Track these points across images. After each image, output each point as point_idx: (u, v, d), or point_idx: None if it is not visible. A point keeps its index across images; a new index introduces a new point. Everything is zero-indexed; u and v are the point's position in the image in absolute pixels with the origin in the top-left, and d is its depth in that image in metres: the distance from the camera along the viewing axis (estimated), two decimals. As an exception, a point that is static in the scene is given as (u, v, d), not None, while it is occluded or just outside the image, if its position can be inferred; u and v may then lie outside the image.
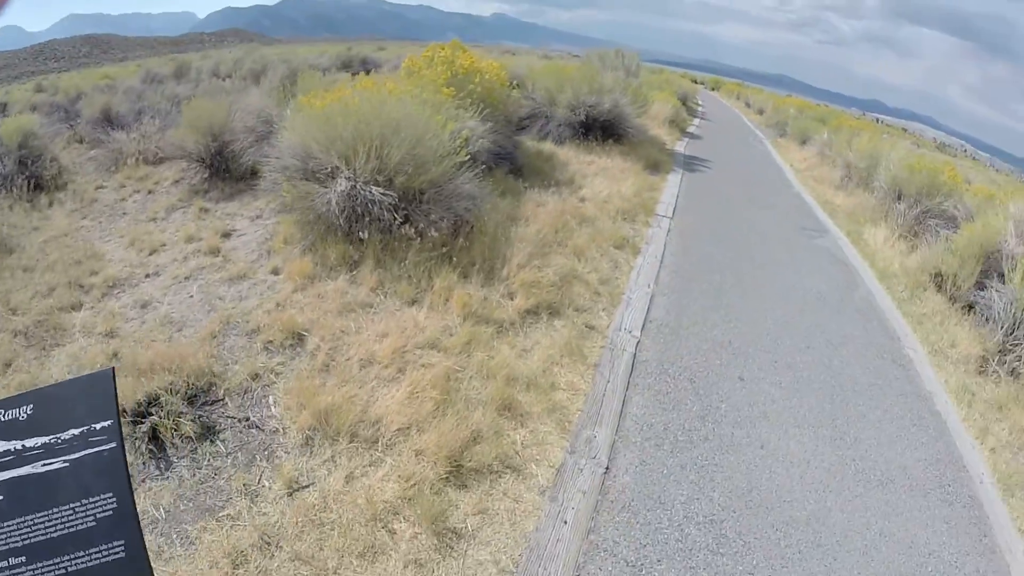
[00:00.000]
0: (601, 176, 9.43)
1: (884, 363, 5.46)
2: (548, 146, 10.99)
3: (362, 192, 5.32)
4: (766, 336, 5.41)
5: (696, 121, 22.25)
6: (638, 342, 4.95)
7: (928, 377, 5.43)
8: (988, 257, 7.62)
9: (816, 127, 18.26)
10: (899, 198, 10.34)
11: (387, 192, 5.32)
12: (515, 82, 12.04)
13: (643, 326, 5.21)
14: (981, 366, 5.85)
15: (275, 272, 5.21)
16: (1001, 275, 7.34)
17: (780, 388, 4.66)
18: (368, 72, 14.06)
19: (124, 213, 7.18)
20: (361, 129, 5.43)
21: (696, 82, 54.16)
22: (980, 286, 7.35)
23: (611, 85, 11.58)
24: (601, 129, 11.60)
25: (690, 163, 12.52)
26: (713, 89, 54.20)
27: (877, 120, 58.64)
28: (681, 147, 14.47)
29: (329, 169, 5.48)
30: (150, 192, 7.78)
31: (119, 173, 8.52)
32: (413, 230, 5.60)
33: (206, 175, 7.70)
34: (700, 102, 32.97)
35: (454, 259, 5.33)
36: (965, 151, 71.30)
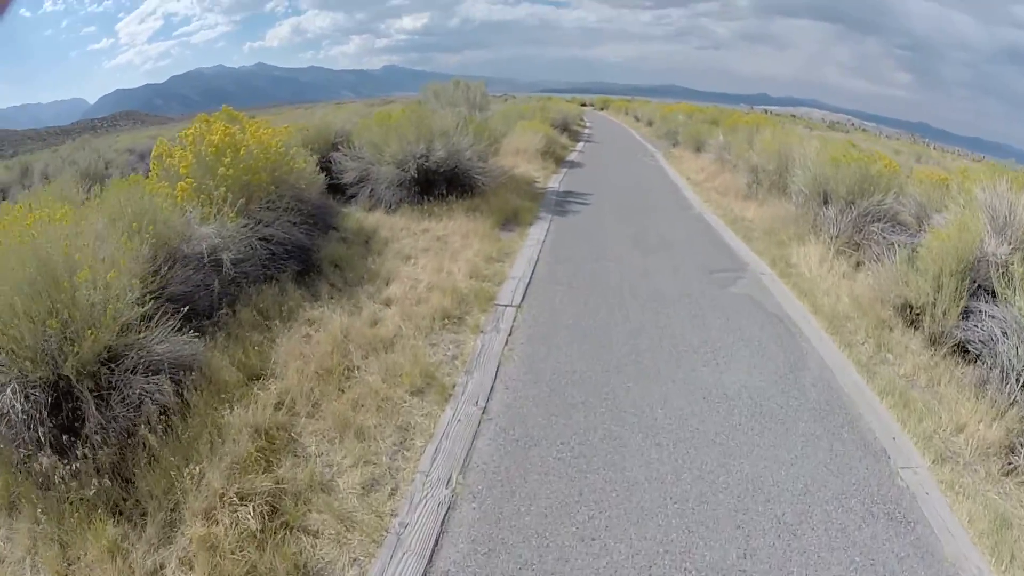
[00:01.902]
0: (432, 252, 6.85)
1: (878, 530, 2.99)
2: (377, 216, 8.39)
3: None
4: (666, 558, 2.78)
5: (579, 146, 20.14)
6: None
7: (945, 526, 3.08)
8: (969, 269, 5.43)
9: (709, 130, 16.37)
10: (826, 202, 8.19)
11: (31, 395, 3.10)
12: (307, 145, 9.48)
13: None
14: (1008, 461, 3.67)
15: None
16: (989, 291, 5.16)
17: None
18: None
19: None
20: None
21: (585, 104, 53.92)
22: (965, 313, 5.12)
23: (445, 126, 9.07)
24: (446, 182, 9.08)
25: (564, 203, 10.06)
26: (602, 109, 53.43)
27: (765, 111, 59.47)
28: (555, 182, 12.07)
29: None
30: None
31: None
32: (60, 455, 2.99)
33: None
34: (587, 124, 31.44)
35: (131, 488, 3.04)
36: (853, 125, 73.55)
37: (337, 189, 9.22)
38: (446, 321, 5.13)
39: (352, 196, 9.34)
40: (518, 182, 11.12)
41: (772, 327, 5.37)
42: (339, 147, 9.84)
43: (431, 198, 8.85)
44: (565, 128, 21.73)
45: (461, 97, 10.86)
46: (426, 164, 8.74)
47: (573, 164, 15.37)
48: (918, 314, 5.51)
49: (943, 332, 5.12)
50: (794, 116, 65.18)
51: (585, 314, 5.40)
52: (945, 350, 4.96)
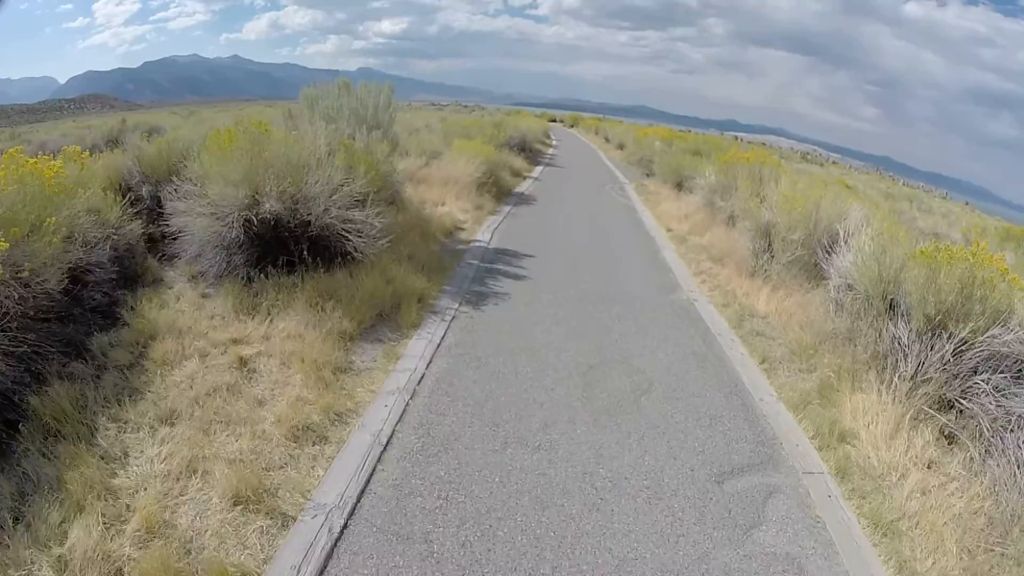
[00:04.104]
0: (214, 403, 3.71)
1: None
2: (189, 298, 5.24)
3: None
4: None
5: (537, 171, 16.89)
6: None
7: None
8: None
9: (692, 163, 13.25)
10: (891, 309, 5.15)
11: None
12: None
13: None
14: None
15: None
16: None
17: None
18: None
19: None
20: None
21: (554, 120, 52.78)
22: None
23: (299, 159, 5.71)
24: (308, 243, 5.74)
25: (486, 277, 6.71)
26: (572, 126, 50.98)
27: (736, 138, 58.22)
28: (486, 232, 8.73)
29: None
30: None
31: None
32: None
33: None
34: (553, 142, 28.38)
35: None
36: (820, 156, 72.81)
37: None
38: None
39: (174, 258, 6.07)
40: (432, 231, 7.82)
41: None
42: (175, 177, 6.46)
43: (278, 267, 5.55)
44: (523, 148, 18.49)
45: (348, 108, 7.41)
46: (258, 217, 5.38)
47: (521, 199, 12.09)
48: None
49: None
50: (764, 144, 64.14)
51: None
52: None
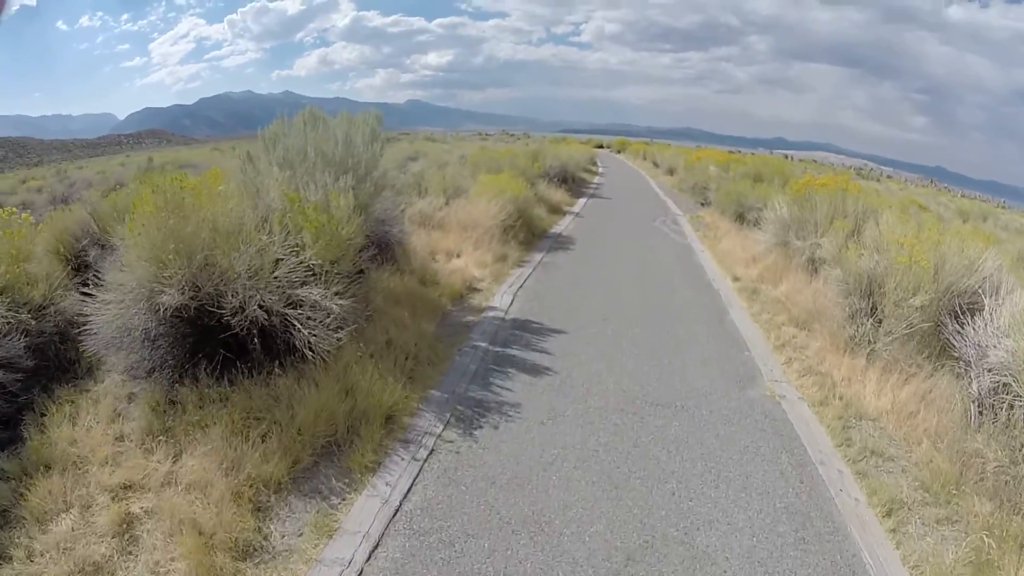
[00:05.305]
0: None
1: None
2: (108, 405, 3.98)
3: None
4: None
5: (579, 204, 15.29)
6: None
7: None
8: None
9: (757, 191, 11.43)
10: None
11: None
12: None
13: None
14: None
15: None
16: None
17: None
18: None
19: None
20: None
21: (601, 146, 51.73)
22: None
23: (228, 224, 4.23)
24: (260, 334, 4.26)
25: (494, 368, 5.02)
26: (619, 151, 49.84)
27: (785, 156, 55.97)
28: (506, 294, 7.06)
29: None
30: None
31: None
32: None
33: None
34: (600, 169, 26.82)
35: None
36: (872, 171, 69.55)
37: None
38: None
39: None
40: (434, 299, 6.28)
41: None
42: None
43: (214, 365, 4.11)
44: (564, 179, 16.90)
45: (314, 148, 5.71)
46: (165, 308, 3.92)
47: (558, 242, 10.46)
48: None
49: None
50: (815, 160, 61.19)
51: None
52: None
